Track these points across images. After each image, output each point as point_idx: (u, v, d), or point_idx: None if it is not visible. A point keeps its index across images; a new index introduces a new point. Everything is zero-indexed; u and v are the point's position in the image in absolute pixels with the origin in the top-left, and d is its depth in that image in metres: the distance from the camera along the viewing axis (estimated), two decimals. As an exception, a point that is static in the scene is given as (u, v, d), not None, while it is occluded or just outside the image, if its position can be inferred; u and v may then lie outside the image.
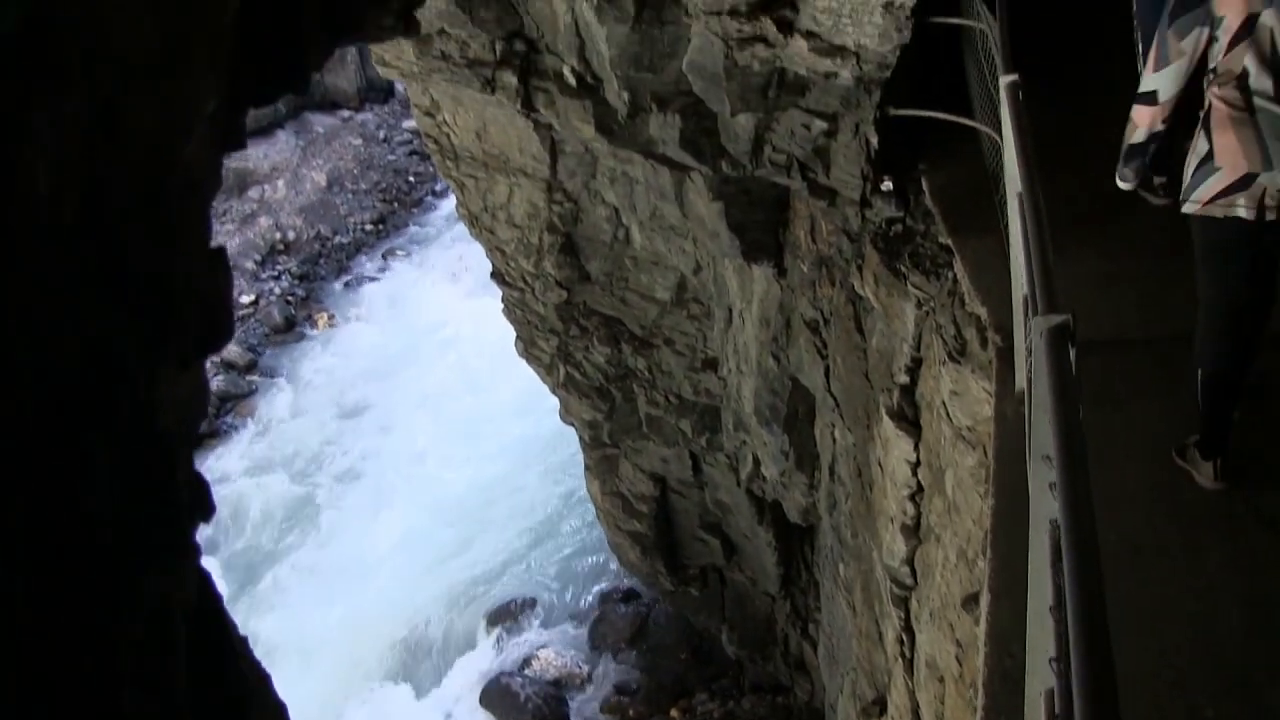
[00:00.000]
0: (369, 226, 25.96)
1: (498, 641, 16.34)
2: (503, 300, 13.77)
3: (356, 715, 15.66)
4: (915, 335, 7.26)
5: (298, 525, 18.72)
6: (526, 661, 15.90)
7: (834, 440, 9.70)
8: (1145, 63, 4.76)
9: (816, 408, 10.19)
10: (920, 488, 7.38)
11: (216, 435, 20.29)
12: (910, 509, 7.49)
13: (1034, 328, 3.36)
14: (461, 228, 14.42)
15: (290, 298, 23.84)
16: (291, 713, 3.63)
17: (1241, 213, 4.38)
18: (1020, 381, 5.17)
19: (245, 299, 23.23)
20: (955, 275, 6.84)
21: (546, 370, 13.84)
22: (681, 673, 15.40)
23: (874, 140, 7.56)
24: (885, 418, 7.64)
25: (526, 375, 14.92)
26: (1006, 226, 5.66)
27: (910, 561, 7.60)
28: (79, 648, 2.01)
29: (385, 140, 27.86)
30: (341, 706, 15.62)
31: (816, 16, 7.19)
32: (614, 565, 16.51)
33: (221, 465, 19.61)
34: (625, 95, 8.44)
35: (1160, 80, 4.55)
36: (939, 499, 6.85)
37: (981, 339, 6.27)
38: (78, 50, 1.76)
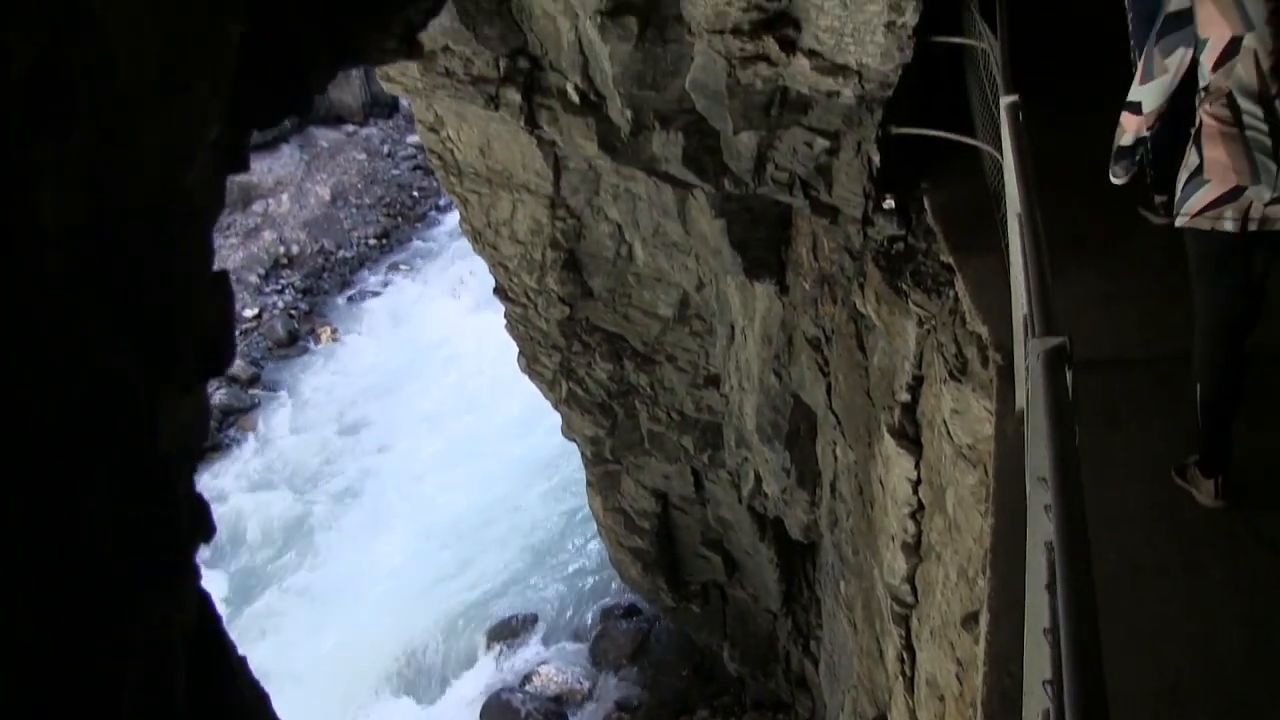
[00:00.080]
0: (372, 241, 25.95)
1: (498, 658, 16.30)
2: (505, 316, 13.78)
3: (356, 730, 15.67)
4: (916, 353, 7.26)
5: (297, 544, 18.61)
6: (527, 678, 15.86)
7: (835, 457, 9.70)
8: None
9: (818, 425, 10.19)
10: (921, 506, 7.38)
11: (218, 449, 20.23)
12: (911, 527, 7.49)
13: (1031, 350, 3.37)
14: (465, 243, 14.41)
15: (293, 312, 23.83)
16: (291, 730, 3.63)
17: (1228, 225, 4.53)
18: (1021, 400, 5.18)
19: (248, 313, 23.22)
20: (956, 293, 6.85)
21: (549, 386, 13.84)
22: (683, 689, 15.37)
23: (876, 158, 7.57)
24: (886, 435, 7.64)
25: (528, 393, 14.90)
26: (1008, 245, 5.68)
27: (911, 579, 7.59)
28: (80, 667, 2.02)
29: (389, 155, 27.86)
30: (341, 722, 15.63)
31: (819, 35, 7.22)
32: (615, 582, 16.47)
33: (222, 482, 19.55)
34: (628, 113, 8.47)
35: (1145, 93, 4.75)
36: (940, 517, 6.84)
37: (982, 357, 6.28)
38: (85, 86, 1.78)
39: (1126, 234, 6.68)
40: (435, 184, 24.09)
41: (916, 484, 7.38)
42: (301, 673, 15.64)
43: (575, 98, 8.92)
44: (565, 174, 11.33)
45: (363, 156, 27.50)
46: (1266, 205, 4.45)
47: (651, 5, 7.84)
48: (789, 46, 7.39)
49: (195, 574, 2.59)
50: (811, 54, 7.33)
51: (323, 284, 24.76)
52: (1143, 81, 4.74)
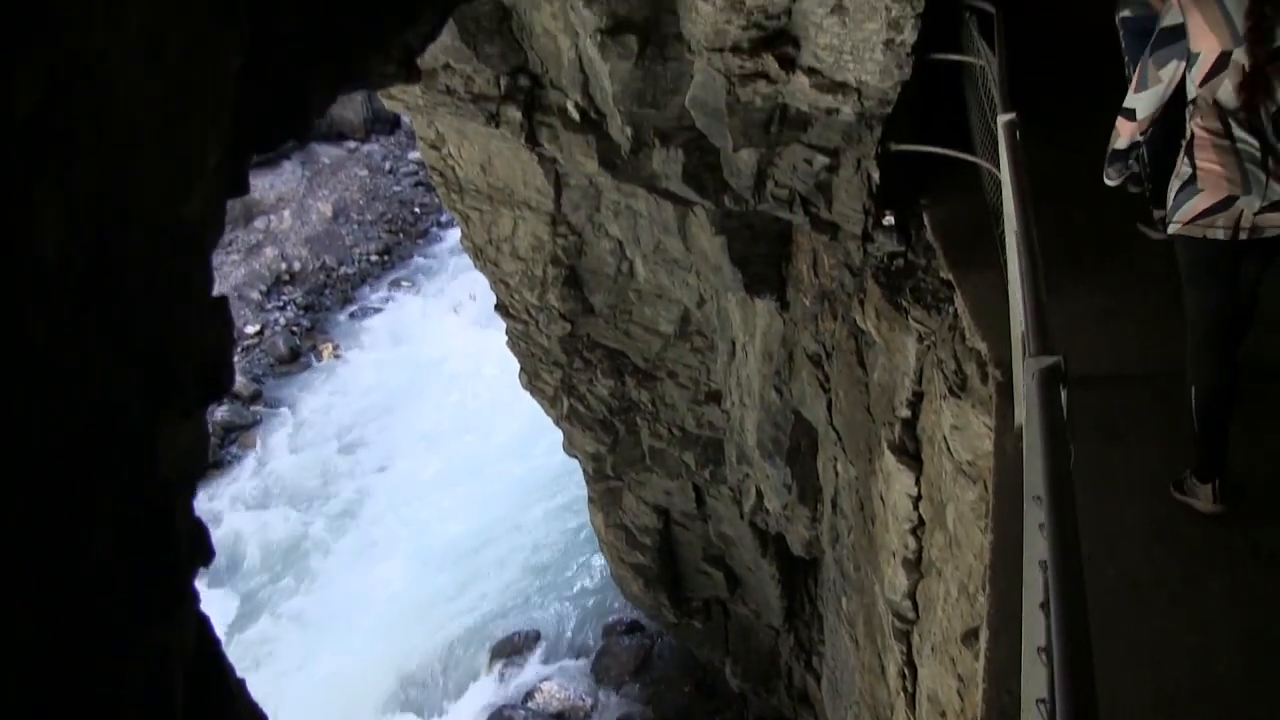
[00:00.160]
0: (374, 257, 25.95)
1: (501, 674, 16.27)
2: (507, 333, 13.79)
3: (359, 748, 15.64)
4: (916, 369, 7.28)
5: (295, 567, 18.48)
6: (529, 694, 15.82)
7: (836, 473, 9.70)
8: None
9: (819, 441, 10.19)
10: (921, 522, 7.38)
11: (219, 466, 20.16)
12: (912, 543, 7.49)
13: (1025, 369, 3.39)
14: (466, 259, 14.41)
15: (295, 328, 23.82)
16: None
17: (1219, 234, 4.69)
18: (1019, 417, 5.19)
19: (250, 329, 23.21)
20: (956, 310, 6.87)
21: (550, 403, 13.85)
22: (685, 706, 15.34)
23: (875, 175, 7.60)
24: (887, 451, 7.65)
25: (529, 412, 14.89)
26: (1007, 262, 5.70)
27: (912, 595, 7.59)
28: (80, 692, 2.03)
29: (391, 171, 27.88)
30: (343, 739, 15.60)
31: (818, 53, 7.25)
32: (617, 598, 16.44)
33: (221, 501, 19.49)
34: (628, 130, 8.49)
35: (1139, 101, 4.92)
36: (940, 533, 6.85)
37: (982, 374, 6.29)
38: (87, 125, 1.80)
39: (1125, 250, 6.72)
40: (437, 200, 24.05)
41: (917, 500, 7.38)
42: (300, 696, 15.61)
43: (576, 115, 8.95)
44: (566, 191, 11.36)
45: (364, 173, 27.52)
46: (1256, 214, 4.60)
47: (651, 24, 7.87)
48: (788, 64, 7.42)
49: (194, 598, 2.60)
50: (811, 71, 7.36)
51: (324, 300, 24.76)
52: (1137, 90, 4.90)
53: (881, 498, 8.03)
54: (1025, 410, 3.79)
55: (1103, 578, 4.62)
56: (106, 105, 1.88)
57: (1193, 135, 4.70)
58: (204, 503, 18.61)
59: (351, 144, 28.04)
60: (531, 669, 16.29)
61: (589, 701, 15.62)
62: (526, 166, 11.24)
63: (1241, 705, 4.19)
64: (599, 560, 16.46)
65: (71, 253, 1.79)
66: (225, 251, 23.69)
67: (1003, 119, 5.71)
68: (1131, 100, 4.95)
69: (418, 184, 27.18)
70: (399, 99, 10.63)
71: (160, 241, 2.21)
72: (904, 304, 7.42)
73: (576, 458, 14.36)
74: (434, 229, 26.87)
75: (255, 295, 23.97)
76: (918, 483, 7.35)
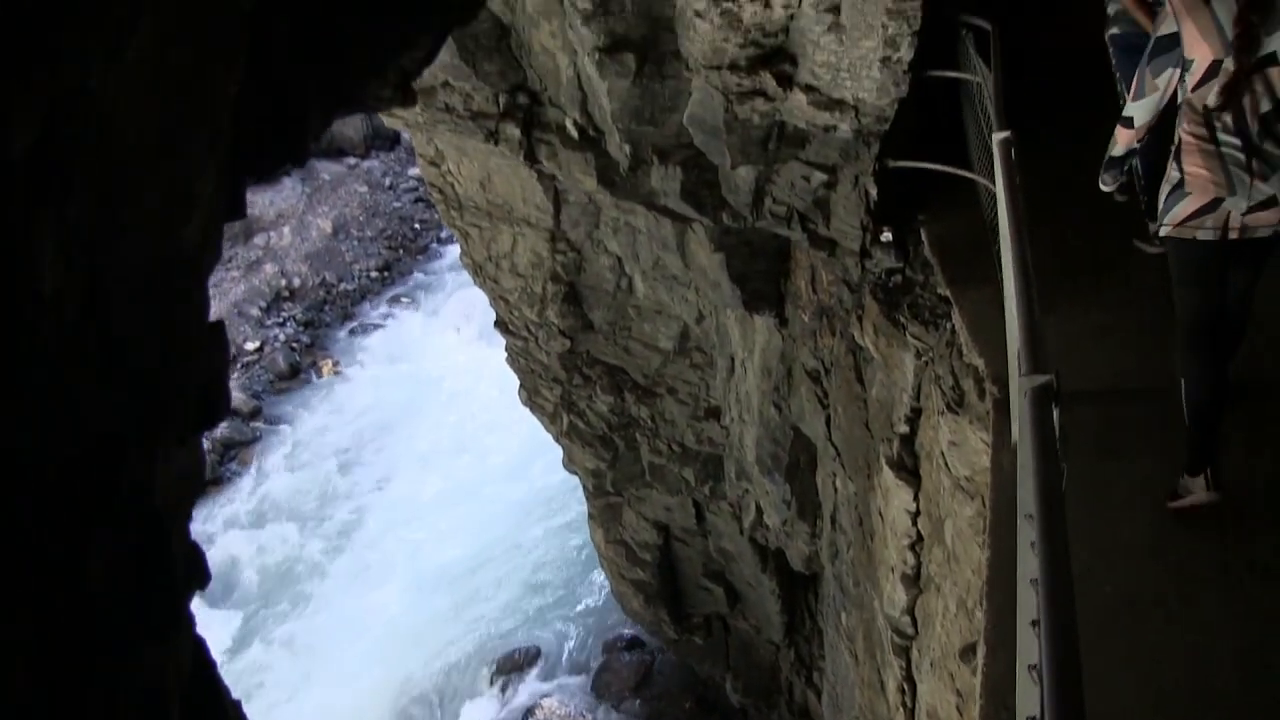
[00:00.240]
0: (374, 273, 25.98)
1: (501, 691, 16.26)
2: (506, 349, 13.80)
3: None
4: (914, 385, 7.29)
5: (291, 589, 18.48)
6: (530, 711, 15.83)
7: (835, 489, 9.71)
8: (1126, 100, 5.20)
9: (818, 457, 10.20)
10: (920, 537, 7.40)
11: (218, 482, 20.17)
12: (910, 558, 7.50)
13: (1018, 388, 3.41)
14: (466, 276, 14.44)
15: (295, 344, 23.85)
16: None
17: (1208, 235, 4.82)
18: (1016, 433, 5.21)
19: (250, 345, 23.25)
20: (954, 326, 6.88)
21: (550, 419, 13.86)
22: (686, 721, 15.35)
23: (873, 192, 7.62)
24: (885, 467, 7.66)
25: (528, 429, 14.88)
26: (1003, 278, 5.72)
27: (911, 611, 7.60)
28: (76, 716, 2.03)
29: (391, 187, 27.91)
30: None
31: (815, 71, 7.28)
32: (617, 614, 16.42)
33: (218, 522, 19.45)
34: (626, 148, 8.51)
35: (1137, 109, 5.00)
36: (939, 549, 6.86)
37: (979, 390, 6.31)
38: (84, 160, 1.82)
39: (1121, 266, 6.74)
40: (437, 217, 24.10)
41: (915, 516, 7.39)
42: (303, 705, 15.59)
43: (574, 133, 8.98)
44: (565, 207, 11.38)
45: (364, 189, 27.56)
46: (1244, 214, 4.73)
47: (649, 42, 7.90)
48: (786, 82, 7.45)
49: (190, 622, 2.61)
50: (808, 89, 7.39)
51: (324, 316, 24.78)
52: (1135, 98, 4.99)
53: (880, 513, 8.04)
54: (1018, 428, 3.81)
55: (1099, 593, 4.64)
56: (104, 137, 1.90)
57: (1180, 141, 4.83)
58: (200, 524, 18.56)
59: (351, 160, 28.08)
60: (532, 685, 16.30)
61: (590, 718, 15.62)
62: (525, 183, 11.26)
63: (1237, 719, 4.20)
64: (599, 577, 16.45)
65: (68, 284, 1.80)
66: (225, 268, 23.72)
67: (997, 137, 5.74)
68: (1129, 109, 5.06)
69: (417, 200, 27.21)
70: (399, 116, 10.66)
71: (157, 269, 2.23)
72: (902, 320, 7.43)
73: (576, 474, 14.36)
74: (434, 245, 26.90)
75: (255, 311, 23.99)
76: (916, 498, 7.36)
